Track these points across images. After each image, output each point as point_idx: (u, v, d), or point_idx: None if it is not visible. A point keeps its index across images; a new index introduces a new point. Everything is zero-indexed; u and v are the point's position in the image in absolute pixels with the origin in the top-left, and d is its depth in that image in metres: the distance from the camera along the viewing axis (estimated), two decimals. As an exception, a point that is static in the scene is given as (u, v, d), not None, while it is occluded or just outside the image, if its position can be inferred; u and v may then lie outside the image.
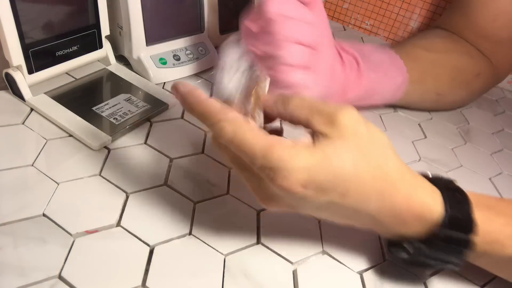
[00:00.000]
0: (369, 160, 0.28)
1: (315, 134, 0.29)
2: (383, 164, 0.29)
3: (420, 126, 0.56)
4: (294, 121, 0.30)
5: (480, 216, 0.31)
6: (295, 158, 0.26)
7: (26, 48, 0.40)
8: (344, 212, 0.30)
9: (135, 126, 0.44)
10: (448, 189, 0.32)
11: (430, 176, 0.33)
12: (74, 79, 0.47)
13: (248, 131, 0.27)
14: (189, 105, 0.30)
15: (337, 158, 0.27)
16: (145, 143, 0.43)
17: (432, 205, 0.30)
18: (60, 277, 0.30)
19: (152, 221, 0.35)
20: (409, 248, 0.32)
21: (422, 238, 0.31)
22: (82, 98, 0.45)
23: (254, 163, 0.27)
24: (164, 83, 0.52)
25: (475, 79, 0.57)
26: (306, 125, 0.29)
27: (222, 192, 0.39)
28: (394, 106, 0.58)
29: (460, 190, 0.32)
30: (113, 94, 0.46)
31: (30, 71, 0.41)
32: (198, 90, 0.30)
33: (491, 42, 0.56)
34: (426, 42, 0.56)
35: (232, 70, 0.34)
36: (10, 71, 0.41)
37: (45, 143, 0.40)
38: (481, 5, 0.55)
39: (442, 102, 0.58)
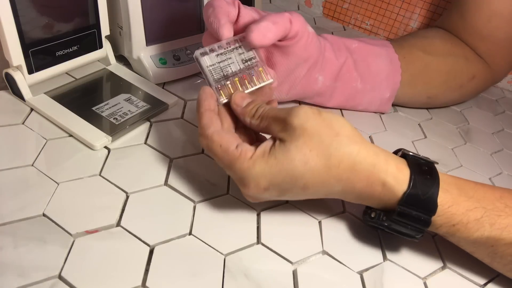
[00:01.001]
0: (319, 153, 0.31)
1: (275, 139, 0.33)
2: (335, 152, 0.31)
3: (420, 126, 0.56)
4: (258, 131, 0.35)
5: (447, 198, 0.33)
6: (252, 168, 0.31)
7: (26, 48, 0.40)
8: (314, 196, 0.34)
9: (135, 126, 0.44)
10: (420, 170, 0.33)
11: (410, 154, 0.35)
12: (74, 79, 0.47)
13: (217, 146, 0.32)
14: (197, 112, 0.35)
15: (288, 161, 0.31)
16: (145, 143, 0.43)
17: (394, 185, 0.32)
18: (60, 277, 0.30)
19: (152, 221, 0.35)
20: (373, 215, 0.35)
21: (385, 210, 0.34)
22: (82, 98, 0.45)
23: (225, 170, 0.34)
24: (164, 83, 0.52)
25: (469, 82, 0.58)
26: (268, 133, 0.34)
27: (222, 192, 0.39)
28: (393, 105, 0.58)
29: (434, 171, 0.34)
30: (113, 94, 0.46)
31: (30, 71, 0.41)
32: (206, 101, 0.35)
33: (487, 43, 0.56)
34: (425, 43, 0.56)
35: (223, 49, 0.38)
36: (10, 71, 0.41)
37: (45, 143, 0.40)
38: (476, 6, 0.55)
39: (433, 103, 0.59)
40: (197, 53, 0.36)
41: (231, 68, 0.37)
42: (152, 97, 0.47)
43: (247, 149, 0.32)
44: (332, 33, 0.74)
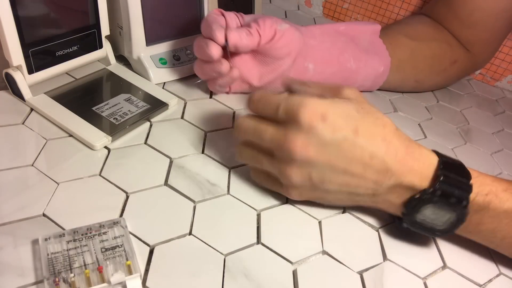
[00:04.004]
0: (369, 112, 0.34)
1: None
2: (381, 116, 0.35)
3: (420, 126, 0.56)
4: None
5: (472, 170, 0.36)
6: (311, 98, 0.33)
7: (26, 48, 0.40)
8: (360, 155, 0.33)
9: (135, 126, 0.44)
10: (441, 153, 0.36)
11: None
12: (74, 79, 0.47)
13: (271, 93, 0.35)
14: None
15: (343, 104, 0.34)
16: (145, 143, 0.43)
17: (429, 154, 0.35)
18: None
19: (152, 221, 0.35)
20: (417, 196, 0.34)
21: (428, 186, 0.34)
22: (82, 98, 0.45)
23: (278, 110, 0.34)
24: (164, 83, 0.52)
25: (452, 66, 0.60)
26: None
27: (222, 192, 0.39)
28: (394, 106, 0.58)
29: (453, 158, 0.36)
30: (113, 94, 0.46)
31: (30, 71, 0.41)
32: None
33: (469, 34, 0.58)
34: (409, 29, 0.59)
35: None
36: (10, 71, 0.41)
37: (45, 143, 0.40)
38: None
39: (421, 87, 0.62)
40: (41, 238, 0.30)
41: (82, 258, 0.30)
42: (152, 97, 0.47)
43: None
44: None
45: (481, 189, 0.34)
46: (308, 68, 0.50)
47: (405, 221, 0.36)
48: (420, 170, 0.34)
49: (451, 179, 0.34)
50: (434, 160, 0.35)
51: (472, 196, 0.34)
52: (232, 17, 0.45)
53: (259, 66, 0.47)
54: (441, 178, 0.34)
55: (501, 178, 0.37)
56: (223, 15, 0.45)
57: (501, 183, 0.35)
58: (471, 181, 0.34)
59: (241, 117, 0.37)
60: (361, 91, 0.57)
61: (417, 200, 0.34)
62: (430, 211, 0.34)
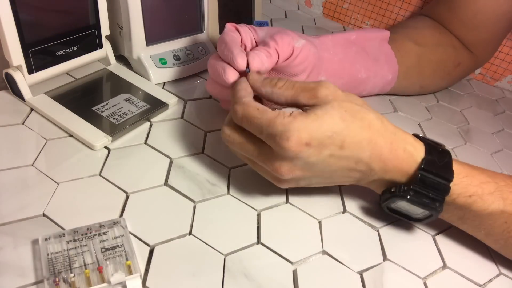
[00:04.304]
0: (353, 115, 0.33)
1: (303, 109, 0.34)
2: (365, 116, 0.34)
3: (420, 126, 0.56)
4: (281, 101, 0.35)
5: (461, 169, 0.36)
6: (293, 122, 0.32)
7: (26, 48, 0.40)
8: (346, 164, 0.34)
9: (135, 126, 0.44)
10: (433, 143, 0.36)
11: (420, 135, 0.37)
12: (74, 79, 0.47)
13: (254, 109, 0.33)
14: (231, 87, 0.37)
15: (328, 117, 0.33)
16: (145, 143, 0.43)
17: (413, 151, 0.35)
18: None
19: (152, 221, 0.35)
20: (393, 189, 0.36)
21: (407, 181, 0.36)
22: (82, 98, 0.45)
23: (262, 133, 0.33)
24: (164, 83, 0.52)
25: (455, 69, 0.61)
26: (293, 102, 0.35)
27: (222, 192, 0.39)
28: (394, 106, 0.58)
29: (444, 148, 0.37)
30: (113, 94, 0.46)
31: (30, 71, 0.41)
32: (244, 83, 0.37)
33: (472, 35, 0.59)
34: (415, 34, 0.59)
35: None
36: (10, 71, 0.41)
37: (45, 143, 0.40)
38: (464, 2, 0.58)
39: (424, 92, 0.63)
40: (41, 238, 0.31)
41: (82, 258, 0.30)
42: (152, 97, 0.47)
43: (284, 110, 0.33)
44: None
45: (465, 191, 0.35)
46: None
47: (382, 206, 0.38)
48: (402, 168, 0.35)
49: (429, 180, 0.34)
50: (419, 157, 0.35)
51: (452, 197, 0.35)
52: (247, 32, 0.43)
53: None
54: (418, 177, 0.34)
55: (495, 176, 0.37)
56: (237, 30, 0.43)
57: (489, 185, 0.35)
58: (453, 183, 0.35)
59: (226, 127, 0.36)
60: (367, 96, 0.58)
61: (391, 193, 0.36)
62: (405, 204, 0.36)
